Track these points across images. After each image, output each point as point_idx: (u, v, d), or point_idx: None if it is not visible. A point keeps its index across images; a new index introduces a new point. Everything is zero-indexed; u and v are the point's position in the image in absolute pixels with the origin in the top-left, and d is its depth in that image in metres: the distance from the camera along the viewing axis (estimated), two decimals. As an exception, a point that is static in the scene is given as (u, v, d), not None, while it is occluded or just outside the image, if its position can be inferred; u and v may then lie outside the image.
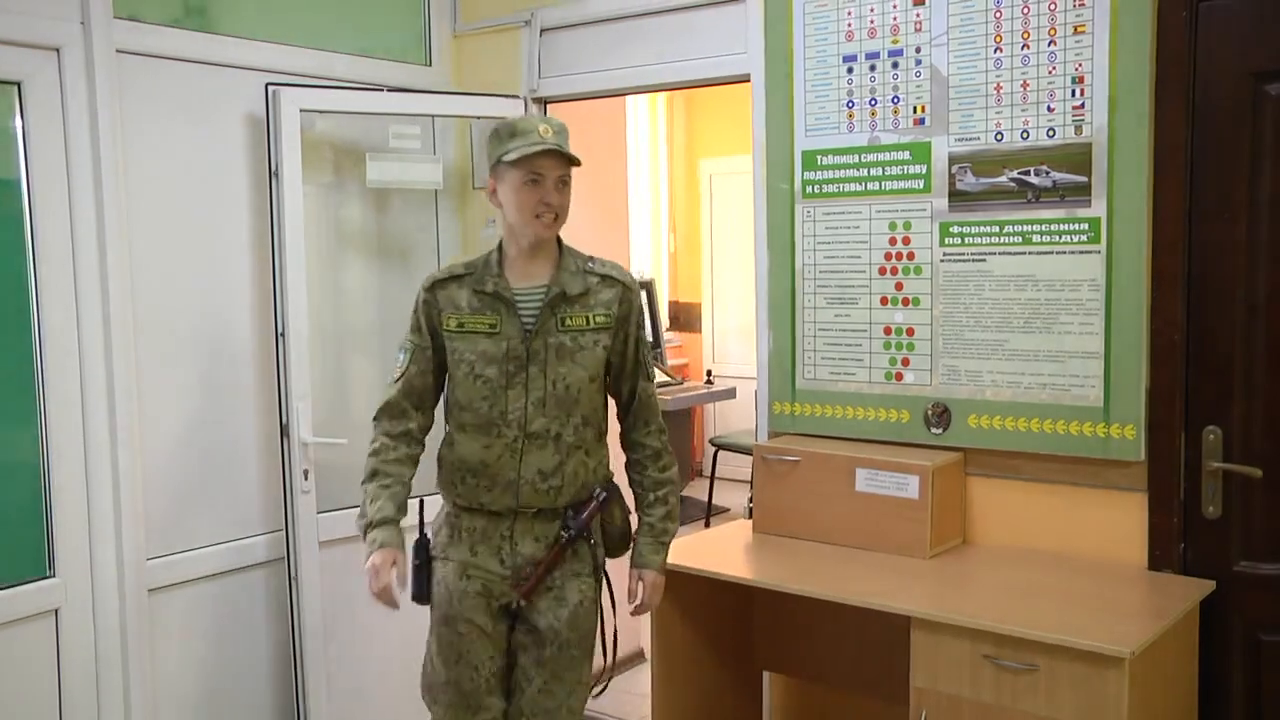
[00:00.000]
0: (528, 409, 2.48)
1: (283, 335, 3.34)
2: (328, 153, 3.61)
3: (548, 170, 2.44)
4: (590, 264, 2.57)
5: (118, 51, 3.02)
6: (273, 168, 3.32)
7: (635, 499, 2.66)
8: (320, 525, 3.39)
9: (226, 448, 3.36)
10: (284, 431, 3.37)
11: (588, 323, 2.52)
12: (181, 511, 3.24)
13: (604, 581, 2.66)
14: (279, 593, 3.45)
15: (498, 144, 2.48)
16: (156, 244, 3.16)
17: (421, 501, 2.64)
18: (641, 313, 2.63)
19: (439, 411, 2.68)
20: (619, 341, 2.57)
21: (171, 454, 3.21)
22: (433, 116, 3.71)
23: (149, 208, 3.14)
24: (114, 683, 3.09)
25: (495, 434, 2.49)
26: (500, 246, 2.58)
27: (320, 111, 3.44)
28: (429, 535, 2.62)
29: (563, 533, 2.54)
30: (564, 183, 2.48)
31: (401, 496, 2.55)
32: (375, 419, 2.61)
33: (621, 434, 2.67)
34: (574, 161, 2.49)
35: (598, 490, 2.58)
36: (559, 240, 2.57)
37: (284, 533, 3.39)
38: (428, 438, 2.66)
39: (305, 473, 3.36)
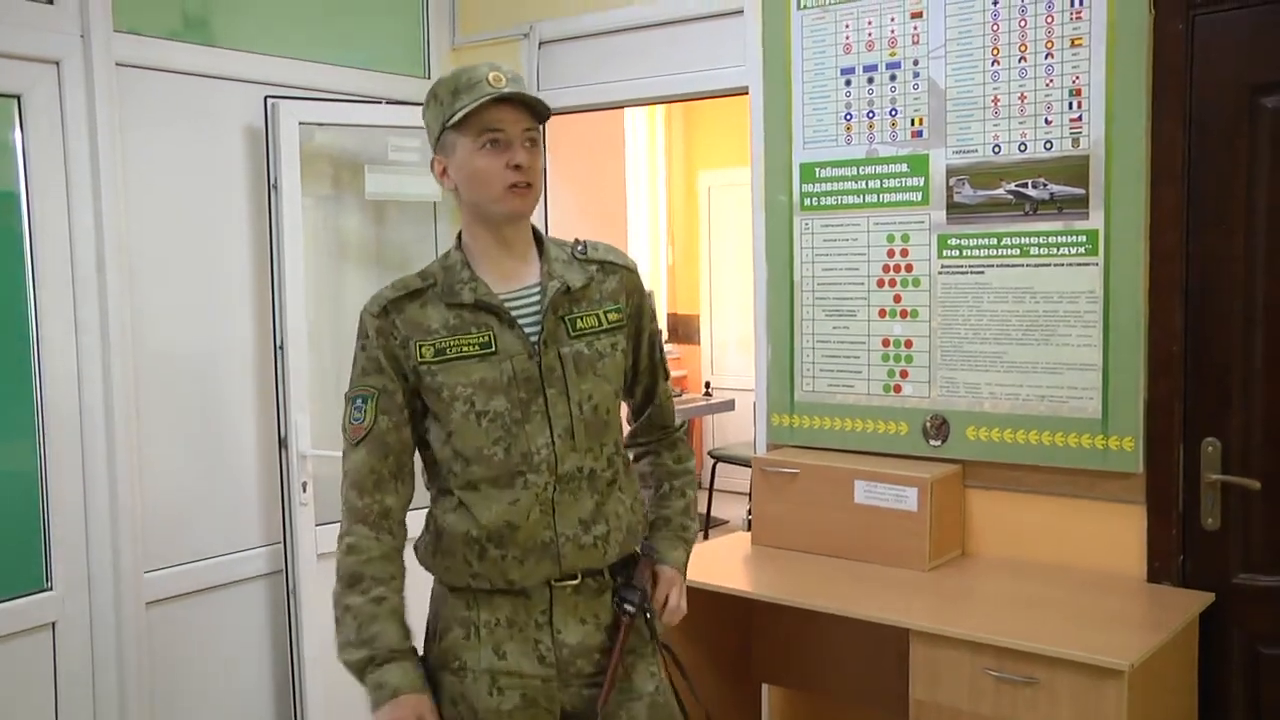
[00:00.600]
0: (555, 444, 1.93)
1: (281, 347, 3.34)
2: (327, 165, 3.61)
3: (509, 124, 1.89)
4: (580, 249, 2.06)
5: (117, 64, 3.03)
6: (271, 180, 3.32)
7: (651, 491, 2.22)
8: (319, 537, 3.39)
9: (225, 460, 3.35)
10: (282, 444, 3.36)
11: (600, 322, 2.01)
12: (179, 524, 3.24)
13: (667, 653, 2.14)
14: (278, 606, 3.44)
15: (439, 108, 1.93)
16: (155, 255, 3.16)
17: None
18: (651, 300, 2.16)
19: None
20: (633, 341, 2.09)
21: (170, 466, 3.21)
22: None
23: (148, 219, 3.14)
24: (111, 696, 3.08)
25: (521, 485, 1.92)
26: (460, 244, 2.02)
27: (319, 124, 3.45)
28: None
29: (625, 607, 2.00)
30: (532, 141, 1.92)
31: (403, 612, 1.93)
32: (343, 496, 1.96)
33: (629, 435, 2.21)
34: (541, 112, 1.94)
35: (649, 546, 2.10)
36: (532, 225, 2.05)
37: (282, 545, 3.38)
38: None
39: (304, 485, 3.36)
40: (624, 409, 2.20)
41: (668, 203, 7.92)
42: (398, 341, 1.95)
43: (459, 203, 1.99)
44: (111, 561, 3.05)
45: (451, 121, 1.89)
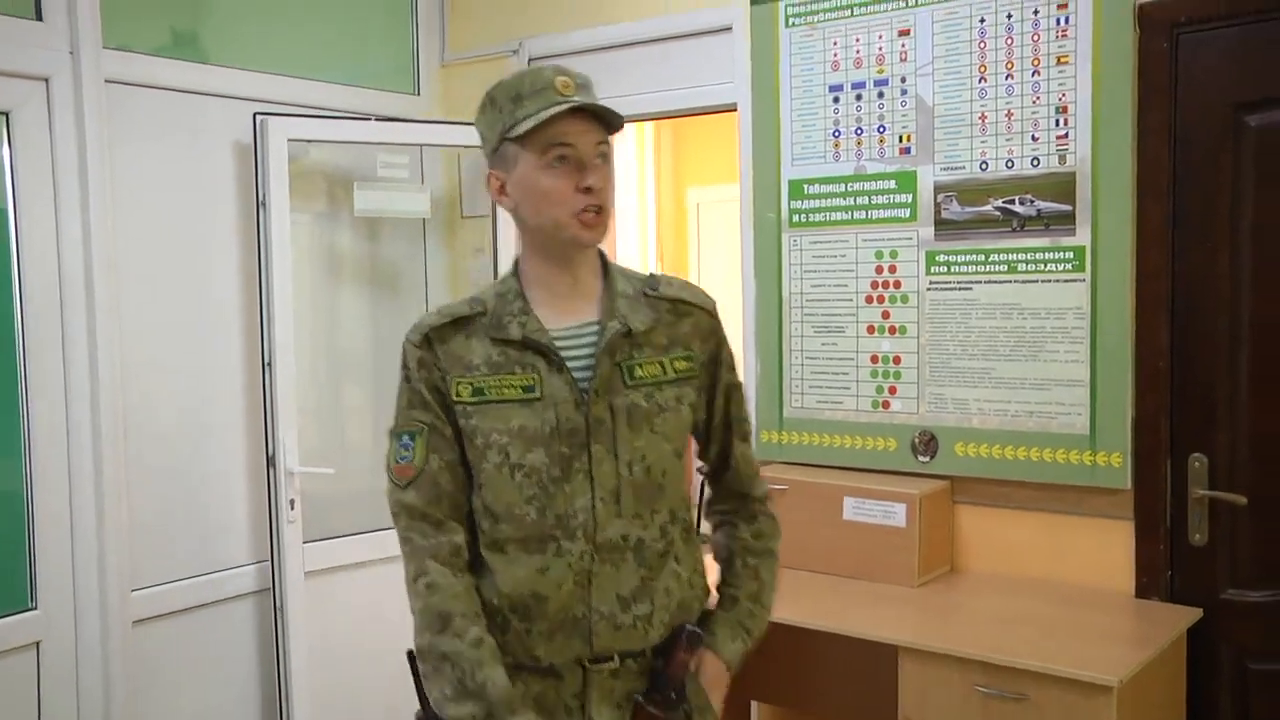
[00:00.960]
0: (596, 508, 1.71)
1: (269, 364, 3.33)
2: (321, 181, 3.61)
3: (579, 139, 1.68)
4: (652, 285, 1.83)
5: (106, 81, 3.02)
6: (260, 197, 3.31)
7: (723, 566, 1.94)
8: (306, 555, 3.37)
9: (214, 477, 3.34)
10: (270, 461, 3.35)
11: (664, 371, 1.77)
12: (167, 541, 3.22)
13: None
14: (265, 624, 3.42)
15: (497, 116, 1.71)
16: (143, 272, 3.15)
17: (412, 656, 1.79)
18: (730, 351, 1.91)
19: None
20: (705, 394, 1.85)
21: (157, 483, 3.19)
22: (420, 146, 3.72)
23: (136, 236, 3.13)
24: (96, 717, 3.05)
25: (553, 551, 1.71)
26: (516, 270, 1.80)
27: (308, 141, 3.45)
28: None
29: (640, 698, 1.76)
30: (604, 156, 1.72)
31: (499, 653, 1.71)
32: (404, 539, 1.76)
33: (707, 502, 1.98)
34: (614, 124, 1.72)
35: (687, 629, 1.79)
36: (599, 252, 1.81)
37: (270, 563, 3.37)
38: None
39: (291, 502, 3.34)
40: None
41: (656, 219, 7.93)
42: (439, 374, 1.75)
43: (517, 223, 1.78)
44: (97, 580, 3.03)
45: (513, 133, 1.68)
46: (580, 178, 1.68)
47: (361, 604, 3.47)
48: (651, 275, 1.85)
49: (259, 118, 3.30)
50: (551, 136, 1.67)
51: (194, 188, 3.28)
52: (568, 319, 1.76)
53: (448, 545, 1.73)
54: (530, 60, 3.73)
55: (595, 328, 1.75)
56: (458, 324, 1.76)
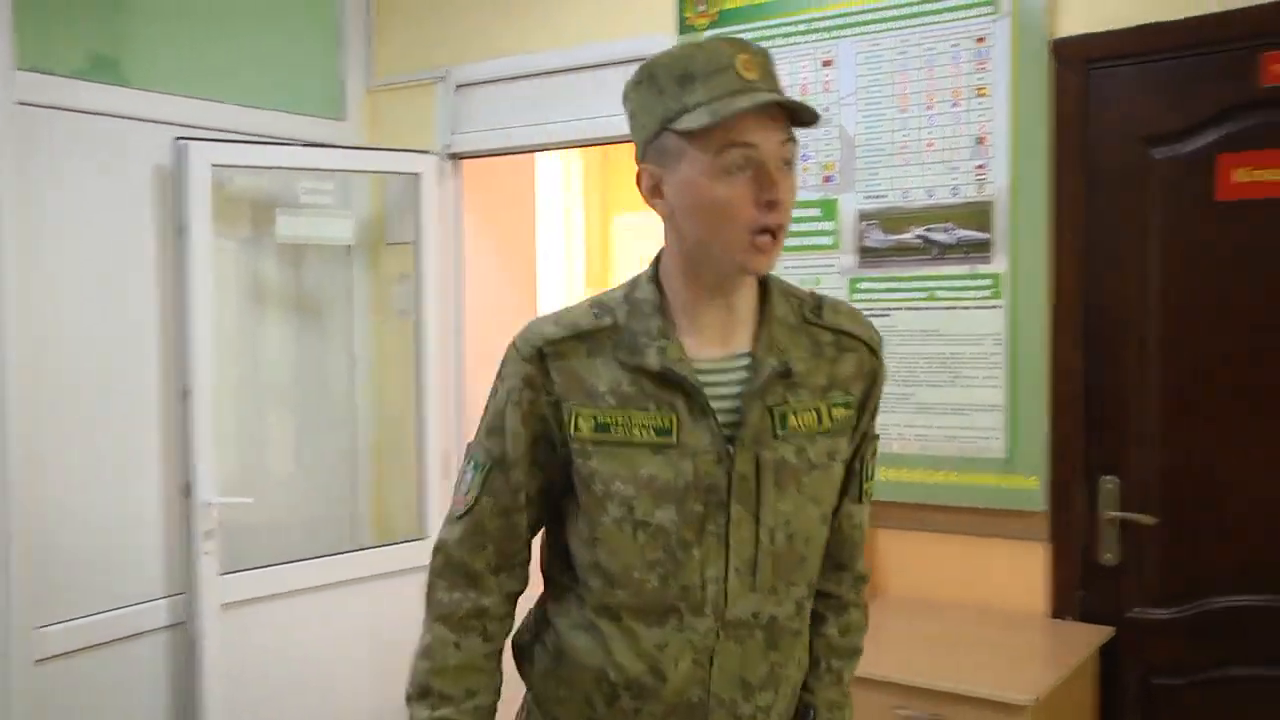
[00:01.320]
0: (729, 581, 1.43)
1: (187, 392, 3.26)
2: (244, 207, 3.56)
3: (764, 138, 1.36)
4: (815, 308, 1.51)
5: (19, 104, 2.95)
6: (180, 223, 3.25)
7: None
8: (223, 587, 3.29)
9: (128, 508, 3.24)
10: (186, 491, 3.28)
11: (820, 421, 1.47)
12: (75, 575, 3.11)
13: None
14: (178, 660, 3.32)
15: (657, 98, 1.39)
16: (58, 299, 3.07)
17: None
18: (880, 396, 1.57)
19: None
20: (852, 443, 1.54)
21: (66, 514, 3.09)
22: (345, 172, 3.69)
23: (51, 263, 3.05)
24: (0, 756, 2.94)
25: (674, 625, 1.44)
26: (656, 275, 1.50)
27: (230, 166, 3.40)
28: None
29: None
30: (788, 162, 1.39)
31: None
32: (429, 580, 1.55)
33: None
34: (806, 120, 1.39)
35: (815, 710, 1.58)
36: None
37: (185, 597, 3.28)
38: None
39: (207, 533, 3.26)
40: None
41: (585, 246, 7.94)
42: (549, 399, 1.44)
43: (668, 229, 1.48)
44: None
45: (680, 125, 1.36)
46: (763, 189, 1.36)
47: (280, 637, 3.39)
48: (814, 295, 1.53)
49: (179, 142, 3.25)
50: (731, 135, 1.34)
51: (113, 213, 3.20)
52: (715, 347, 1.45)
53: (467, 607, 1.50)
54: (457, 87, 3.72)
55: (746, 361, 1.45)
56: (582, 337, 1.45)
